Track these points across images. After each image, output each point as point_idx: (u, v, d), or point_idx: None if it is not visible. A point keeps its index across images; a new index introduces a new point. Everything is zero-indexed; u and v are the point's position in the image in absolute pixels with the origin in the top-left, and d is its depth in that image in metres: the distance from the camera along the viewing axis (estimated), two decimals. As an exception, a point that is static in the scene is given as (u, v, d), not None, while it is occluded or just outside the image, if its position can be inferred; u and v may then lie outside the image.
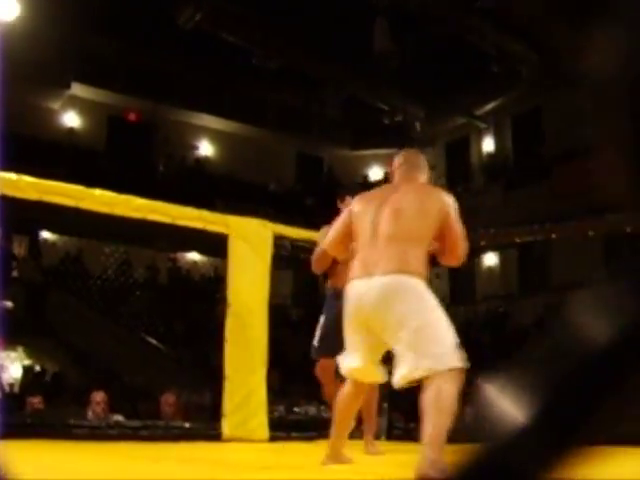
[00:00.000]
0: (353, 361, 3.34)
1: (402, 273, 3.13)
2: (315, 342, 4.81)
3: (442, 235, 3.31)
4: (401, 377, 3.04)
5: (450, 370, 2.94)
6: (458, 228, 3.33)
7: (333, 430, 3.63)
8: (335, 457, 3.59)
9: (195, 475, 3.08)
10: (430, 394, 2.92)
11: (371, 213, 3.36)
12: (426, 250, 3.26)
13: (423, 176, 3.61)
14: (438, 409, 2.89)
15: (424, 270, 3.20)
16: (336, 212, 4.23)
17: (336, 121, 20.64)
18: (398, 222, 3.26)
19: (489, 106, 19.33)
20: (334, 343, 3.94)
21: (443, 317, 3.10)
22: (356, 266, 3.30)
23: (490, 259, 18.71)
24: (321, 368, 4.79)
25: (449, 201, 3.33)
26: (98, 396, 6.59)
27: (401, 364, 3.04)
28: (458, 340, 3.05)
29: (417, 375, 2.98)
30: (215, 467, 3.64)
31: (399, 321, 3.06)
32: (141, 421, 5.82)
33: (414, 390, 3.90)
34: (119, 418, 6.33)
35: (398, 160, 3.64)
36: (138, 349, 12.18)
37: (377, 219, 3.32)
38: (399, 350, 3.06)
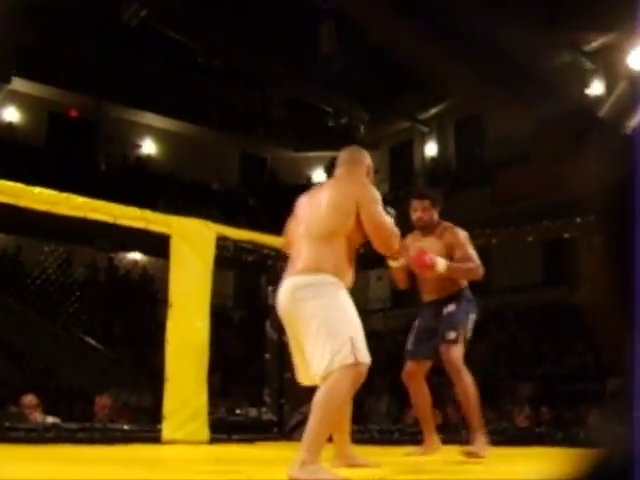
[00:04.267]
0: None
1: (310, 272, 3.17)
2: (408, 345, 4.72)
3: (365, 228, 3.32)
4: (316, 379, 3.06)
5: (342, 367, 2.94)
6: (376, 220, 3.28)
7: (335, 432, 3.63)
8: (343, 457, 3.65)
9: (132, 478, 3.03)
10: (319, 393, 2.93)
11: (300, 212, 3.44)
12: (343, 245, 3.23)
13: (354, 172, 3.57)
14: (320, 409, 2.90)
15: (337, 265, 3.20)
16: (277, 213, 4.27)
17: (280, 122, 20.64)
18: (313, 220, 3.30)
19: (432, 111, 19.53)
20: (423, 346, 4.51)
21: (343, 312, 3.11)
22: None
23: (431, 262, 18.86)
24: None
25: (364, 194, 3.32)
26: (27, 399, 6.43)
27: (310, 365, 3.08)
28: (358, 334, 3.04)
29: (318, 378, 3.00)
30: (153, 470, 3.60)
31: (303, 320, 3.10)
32: (78, 423, 5.73)
33: (359, 395, 3.91)
34: (55, 420, 6.22)
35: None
36: (77, 349, 11.99)
37: (301, 218, 3.39)
38: (307, 350, 3.10)
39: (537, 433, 6.09)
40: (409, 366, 4.60)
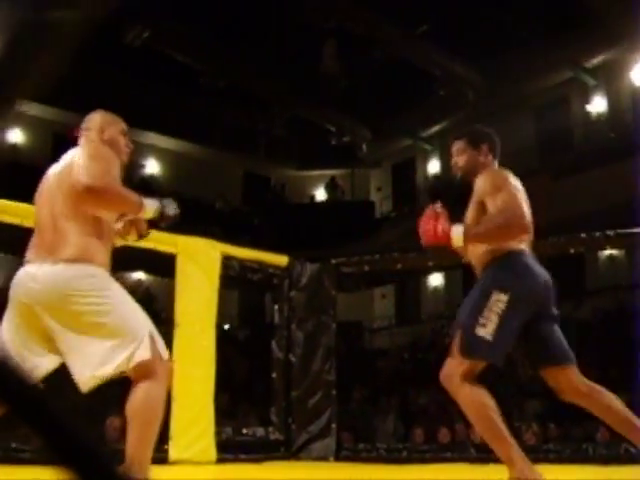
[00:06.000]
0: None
1: (74, 261, 2.78)
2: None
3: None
4: (84, 382, 2.73)
5: (143, 367, 2.67)
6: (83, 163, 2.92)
7: None
8: None
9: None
10: (134, 403, 2.68)
11: (44, 188, 3.13)
12: (92, 223, 2.88)
13: (86, 137, 3.30)
14: (140, 423, 2.67)
15: (96, 251, 2.85)
16: (281, 232, 4.19)
17: (283, 141, 20.68)
18: (57, 199, 2.96)
19: (435, 128, 19.57)
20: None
21: (132, 309, 2.84)
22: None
23: (436, 279, 18.87)
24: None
25: (82, 150, 3.06)
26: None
27: (78, 366, 2.74)
28: (153, 330, 2.78)
29: (101, 375, 2.68)
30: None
31: (76, 317, 2.71)
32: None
33: (364, 411, 3.90)
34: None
35: None
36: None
37: (46, 195, 3.06)
38: (75, 348, 2.73)
39: (545, 450, 6.06)
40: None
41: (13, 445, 5.18)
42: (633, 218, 6.70)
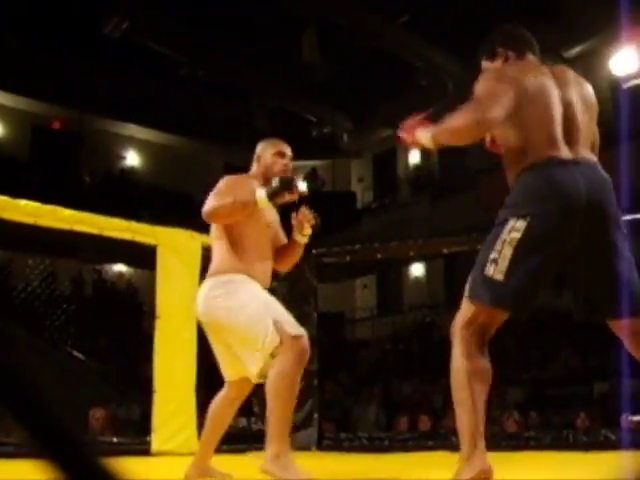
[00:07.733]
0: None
1: (211, 275, 3.32)
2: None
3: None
4: (252, 377, 3.21)
5: (275, 352, 3.01)
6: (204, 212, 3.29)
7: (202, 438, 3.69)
8: (201, 470, 3.55)
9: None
10: (267, 383, 3.05)
11: None
12: (231, 238, 3.32)
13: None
14: (272, 399, 3.00)
15: (230, 262, 3.28)
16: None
17: (264, 132, 20.63)
18: None
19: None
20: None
21: (249, 307, 3.13)
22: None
23: (417, 269, 18.92)
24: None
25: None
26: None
27: (244, 364, 3.18)
28: (276, 315, 3.07)
29: (256, 375, 3.14)
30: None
31: (221, 328, 3.23)
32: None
33: (346, 401, 3.91)
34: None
35: None
36: (64, 363, 11.90)
37: None
38: (234, 353, 3.21)
39: (526, 437, 6.11)
40: None
41: None
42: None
